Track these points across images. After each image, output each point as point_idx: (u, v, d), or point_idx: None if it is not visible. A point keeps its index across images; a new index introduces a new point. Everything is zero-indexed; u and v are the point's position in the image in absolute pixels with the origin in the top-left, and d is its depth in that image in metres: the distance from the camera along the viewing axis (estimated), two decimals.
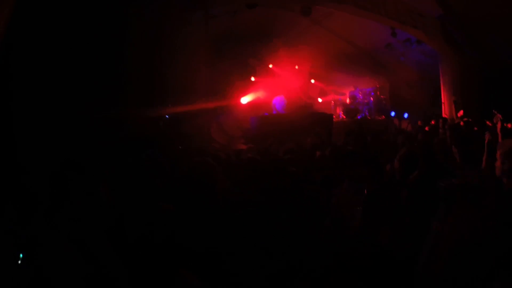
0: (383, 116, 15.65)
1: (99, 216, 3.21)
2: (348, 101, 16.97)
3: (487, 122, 8.90)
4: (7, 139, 7.25)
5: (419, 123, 12.14)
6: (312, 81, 18.13)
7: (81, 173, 3.33)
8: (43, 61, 8.20)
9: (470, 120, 10.05)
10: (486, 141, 4.64)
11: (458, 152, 5.33)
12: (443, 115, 12.90)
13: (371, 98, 16.61)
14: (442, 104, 14.77)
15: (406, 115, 14.09)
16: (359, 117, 15.55)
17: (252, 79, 17.29)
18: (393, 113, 14.78)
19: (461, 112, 12.35)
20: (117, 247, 2.87)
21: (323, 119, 13.76)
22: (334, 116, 15.32)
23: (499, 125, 6.11)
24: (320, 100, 18.04)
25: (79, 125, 8.64)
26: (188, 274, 2.81)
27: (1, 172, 6.11)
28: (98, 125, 8.92)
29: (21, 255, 2.76)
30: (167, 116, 13.04)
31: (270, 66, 17.36)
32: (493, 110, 7.70)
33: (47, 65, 8.32)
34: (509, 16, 11.92)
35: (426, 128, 10.21)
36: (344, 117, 16.05)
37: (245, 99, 16.84)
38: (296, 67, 17.72)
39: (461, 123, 9.84)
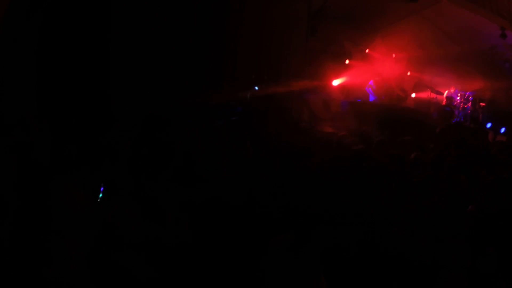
0: (477, 125, 15.41)
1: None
2: (444, 101, 16.78)
3: None
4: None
5: None
6: (408, 73, 18.05)
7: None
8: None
9: None
10: None
11: None
12: None
13: (469, 104, 16.32)
14: None
15: (503, 130, 13.81)
16: (453, 121, 15.39)
17: (346, 62, 17.44)
18: (489, 125, 14.52)
19: None
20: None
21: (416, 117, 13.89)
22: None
23: None
24: (413, 95, 17.97)
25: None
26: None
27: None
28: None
29: None
30: (256, 88, 13.49)
31: (367, 51, 17.43)
32: None
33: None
34: None
35: None
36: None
37: (336, 82, 17.06)
38: (393, 55, 17.69)
39: None
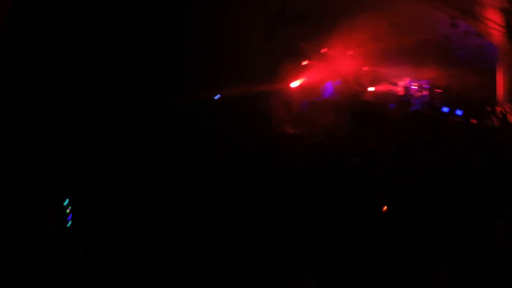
0: (435, 111, 15.93)
1: None
2: (401, 92, 17.29)
3: None
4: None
5: (473, 121, 12.46)
6: (365, 68, 18.53)
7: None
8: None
9: None
10: None
11: None
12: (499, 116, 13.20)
13: (425, 92, 16.91)
14: (499, 104, 14.95)
15: (459, 112, 14.32)
16: (411, 109, 15.87)
17: (304, 62, 17.76)
18: (446, 109, 15.03)
19: None
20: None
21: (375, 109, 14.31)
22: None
23: None
24: (372, 89, 18.45)
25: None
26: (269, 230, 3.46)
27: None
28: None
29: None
30: (218, 95, 13.63)
31: (323, 50, 17.78)
32: None
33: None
34: None
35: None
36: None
37: (295, 83, 17.35)
38: (350, 52, 18.11)
39: None
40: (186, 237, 3.29)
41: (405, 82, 17.44)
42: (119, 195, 3.75)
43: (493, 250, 2.90)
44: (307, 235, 3.47)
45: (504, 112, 13.11)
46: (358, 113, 12.96)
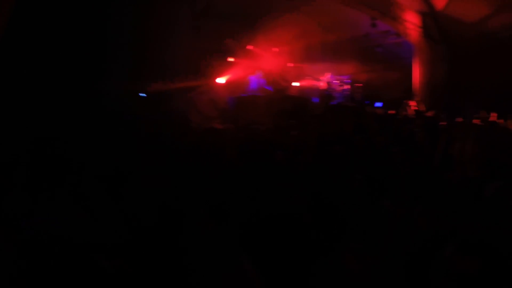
0: (356, 104, 16.56)
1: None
2: (323, 87, 17.85)
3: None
4: None
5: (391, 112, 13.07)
6: (289, 64, 18.94)
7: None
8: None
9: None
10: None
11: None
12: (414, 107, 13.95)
13: (347, 86, 17.62)
14: (414, 97, 15.78)
15: (378, 104, 15.01)
16: (333, 103, 16.43)
17: (230, 59, 17.96)
18: (367, 102, 15.70)
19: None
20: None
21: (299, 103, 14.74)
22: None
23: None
24: (296, 84, 18.90)
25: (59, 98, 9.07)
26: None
27: None
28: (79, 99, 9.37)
29: None
30: (143, 94, 13.54)
31: (248, 47, 18.03)
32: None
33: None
34: (481, 12, 13.10)
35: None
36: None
37: (221, 79, 17.51)
38: (275, 49, 18.45)
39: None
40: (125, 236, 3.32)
41: (328, 78, 18.01)
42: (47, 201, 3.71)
43: (382, 225, 3.27)
44: (238, 218, 3.64)
45: (418, 104, 13.89)
46: (282, 108, 13.28)
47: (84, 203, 3.56)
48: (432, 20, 15.30)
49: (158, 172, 4.68)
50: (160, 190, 4.04)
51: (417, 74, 16.07)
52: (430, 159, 5.39)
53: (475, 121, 9.11)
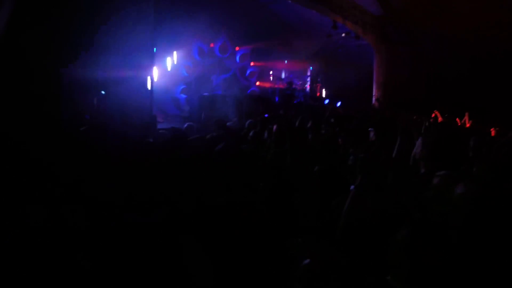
0: (316, 102, 16.95)
1: None
2: (285, 86, 18.17)
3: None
4: None
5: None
6: (252, 63, 19.18)
7: None
8: None
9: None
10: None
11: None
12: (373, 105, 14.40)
13: (307, 86, 18.00)
14: (373, 96, 16.25)
15: (339, 103, 15.40)
16: (295, 102, 16.74)
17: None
18: (327, 101, 16.06)
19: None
20: None
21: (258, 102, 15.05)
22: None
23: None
24: (257, 83, 19.15)
25: None
26: None
27: None
28: None
29: None
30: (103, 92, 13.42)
31: (212, 45, 18.17)
32: None
33: None
34: (440, 13, 13.60)
35: None
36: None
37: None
38: (237, 48, 18.66)
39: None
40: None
41: (289, 77, 18.34)
42: None
43: (346, 210, 3.42)
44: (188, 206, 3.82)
45: (379, 99, 14.35)
46: (244, 106, 13.57)
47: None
48: (389, 23, 15.80)
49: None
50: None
51: (377, 74, 16.54)
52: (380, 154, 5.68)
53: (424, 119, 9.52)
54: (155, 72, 14.98)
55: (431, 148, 5.25)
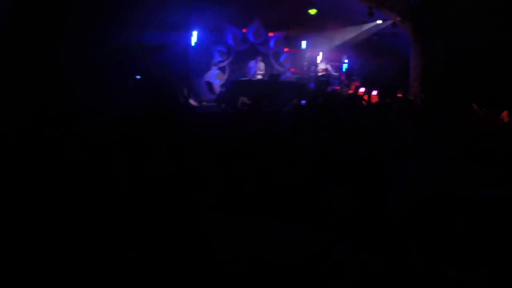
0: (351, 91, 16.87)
1: None
2: (320, 72, 18.13)
3: None
4: None
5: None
6: (286, 49, 19.24)
7: None
8: None
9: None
10: None
11: None
12: (410, 97, 14.26)
13: (342, 76, 18.01)
14: (410, 87, 16.06)
15: (374, 92, 15.25)
16: (329, 89, 16.69)
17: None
18: (362, 89, 15.94)
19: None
20: None
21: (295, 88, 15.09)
22: None
23: None
24: (291, 70, 19.23)
25: None
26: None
27: None
28: None
29: None
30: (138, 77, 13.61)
31: (244, 30, 18.24)
32: None
33: None
34: (475, 7, 13.38)
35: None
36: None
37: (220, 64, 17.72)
38: (270, 34, 18.66)
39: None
40: None
41: (325, 64, 18.28)
42: None
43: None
44: None
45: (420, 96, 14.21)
46: (278, 91, 13.67)
47: None
48: (426, 11, 15.57)
49: None
50: None
51: (413, 64, 16.34)
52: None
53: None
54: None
55: None
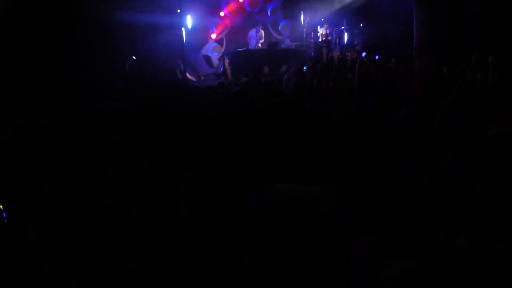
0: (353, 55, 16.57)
1: None
2: (321, 38, 17.82)
3: None
4: None
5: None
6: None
7: None
8: None
9: None
10: None
11: None
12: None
13: (345, 38, 17.66)
14: (414, 50, 15.71)
15: (376, 57, 14.99)
16: (331, 55, 16.41)
17: (221, 14, 17.81)
18: (364, 54, 15.69)
19: None
20: None
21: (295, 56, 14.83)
22: None
23: None
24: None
25: None
26: None
27: None
28: None
29: None
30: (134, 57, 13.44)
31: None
32: None
33: None
34: None
35: None
36: None
37: (213, 36, 17.48)
38: (266, 2, 18.38)
39: None
40: None
41: (325, 30, 17.92)
42: None
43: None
44: None
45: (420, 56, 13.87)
46: (278, 60, 13.40)
47: None
48: None
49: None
50: None
51: (417, 29, 15.98)
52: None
53: None
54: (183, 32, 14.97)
55: None
